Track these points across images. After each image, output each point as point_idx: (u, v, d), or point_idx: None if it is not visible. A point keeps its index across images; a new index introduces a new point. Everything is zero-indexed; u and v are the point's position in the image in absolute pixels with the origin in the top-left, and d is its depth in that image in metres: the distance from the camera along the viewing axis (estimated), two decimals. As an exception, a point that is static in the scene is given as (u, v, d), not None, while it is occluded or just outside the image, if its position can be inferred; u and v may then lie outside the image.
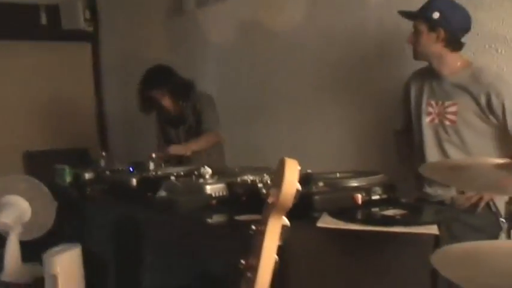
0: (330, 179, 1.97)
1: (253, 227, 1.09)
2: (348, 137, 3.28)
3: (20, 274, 2.66)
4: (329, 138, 3.36)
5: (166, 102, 3.57)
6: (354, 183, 1.91)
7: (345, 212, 1.75)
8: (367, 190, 1.87)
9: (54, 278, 2.32)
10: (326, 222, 1.69)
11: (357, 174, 2.03)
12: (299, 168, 1.04)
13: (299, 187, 1.04)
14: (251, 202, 1.98)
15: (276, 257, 1.07)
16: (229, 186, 2.22)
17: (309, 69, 3.48)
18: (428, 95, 2.46)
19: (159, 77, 3.55)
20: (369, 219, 1.72)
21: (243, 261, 1.10)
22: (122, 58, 5.25)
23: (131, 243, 2.36)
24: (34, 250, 2.52)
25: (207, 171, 2.31)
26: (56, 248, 2.41)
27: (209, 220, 2.00)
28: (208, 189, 2.20)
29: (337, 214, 1.73)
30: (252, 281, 1.05)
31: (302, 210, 1.74)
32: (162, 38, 4.75)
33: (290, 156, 1.07)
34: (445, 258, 1.08)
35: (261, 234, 1.07)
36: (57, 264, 2.33)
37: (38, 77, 5.23)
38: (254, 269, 1.05)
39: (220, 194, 2.21)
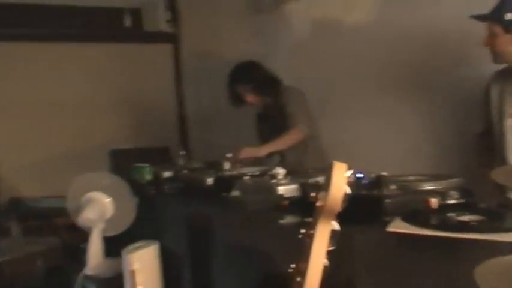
0: (403, 181, 1.92)
1: (302, 231, 1.09)
2: (422, 139, 3.20)
3: (103, 269, 2.77)
4: (403, 140, 3.29)
5: (250, 98, 3.58)
6: (429, 187, 1.86)
7: (418, 216, 1.70)
8: (442, 194, 1.80)
9: (133, 273, 2.40)
10: (397, 226, 1.64)
11: (432, 178, 1.97)
12: (349, 172, 1.02)
13: (348, 190, 1.02)
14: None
15: (326, 261, 1.06)
16: (302, 187, 2.21)
17: (381, 68, 3.42)
18: (510, 97, 2.36)
19: (243, 73, 3.59)
20: (444, 225, 1.65)
21: (292, 266, 1.10)
22: (202, 58, 5.34)
23: (205, 242, 2.40)
24: (116, 246, 2.61)
25: (280, 171, 2.31)
26: (135, 245, 2.49)
27: (281, 221, 2.00)
28: (281, 189, 2.20)
29: (410, 218, 1.68)
30: (301, 285, 1.04)
31: (373, 214, 1.73)
32: (241, 36, 4.80)
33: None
34: (489, 272, 1.02)
35: (310, 238, 1.06)
36: (136, 260, 2.41)
37: (121, 78, 5.42)
38: (303, 273, 1.05)
39: (293, 195, 2.21)
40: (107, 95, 5.35)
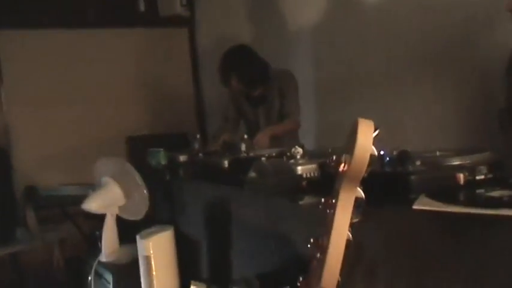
0: (428, 157, 1.81)
1: (323, 201, 0.97)
2: (448, 114, 3.08)
3: (118, 255, 2.71)
4: (427, 115, 3.18)
5: (235, 84, 3.58)
6: (456, 162, 1.74)
7: (445, 193, 1.59)
8: (470, 169, 1.69)
9: (148, 259, 2.34)
10: (424, 204, 1.54)
11: (459, 152, 1.85)
12: (376, 130, 0.90)
13: (374, 152, 0.90)
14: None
15: (350, 234, 0.94)
16: (321, 166, 2.11)
17: (403, 42, 3.31)
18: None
19: (231, 59, 3.60)
20: (473, 201, 1.54)
21: (311, 240, 0.98)
22: (217, 42, 5.25)
23: (222, 225, 2.33)
24: (131, 231, 2.55)
25: (298, 151, 2.22)
26: (150, 230, 2.43)
27: (300, 202, 1.91)
28: (299, 169, 2.10)
29: (437, 195, 1.57)
30: (321, 261, 0.93)
31: (397, 191, 1.62)
32: (256, 19, 4.70)
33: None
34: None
35: (331, 209, 0.95)
36: (151, 245, 2.35)
37: (137, 64, 5.36)
38: (323, 248, 0.94)
39: (312, 175, 2.11)
40: (122, 81, 5.30)
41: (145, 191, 2.58)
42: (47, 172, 4.74)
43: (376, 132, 0.91)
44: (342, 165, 0.93)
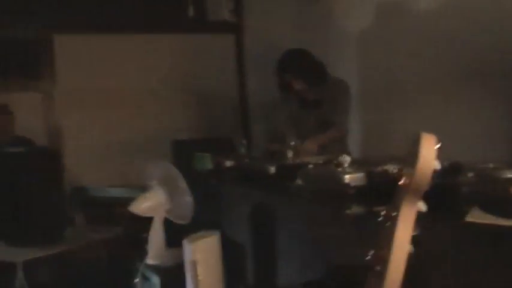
0: (481, 169, 1.78)
1: (383, 213, 0.96)
2: (497, 128, 3.00)
3: (164, 258, 2.75)
4: (475, 128, 3.11)
5: (298, 85, 3.53)
6: (510, 175, 1.71)
7: (498, 206, 1.56)
8: (525, 182, 1.65)
9: (194, 263, 2.35)
10: (476, 216, 1.51)
11: (512, 165, 1.81)
12: (438, 145, 0.90)
13: (437, 166, 0.89)
14: (392, 193, 1.84)
15: (411, 247, 0.93)
16: (369, 175, 2.10)
17: (452, 55, 3.26)
18: None
19: (292, 60, 3.56)
20: (527, 215, 1.51)
21: (371, 252, 0.97)
22: (264, 48, 5.27)
23: (268, 231, 2.33)
24: (178, 235, 2.58)
25: (346, 159, 2.21)
26: (196, 235, 2.45)
27: (348, 211, 1.90)
28: (347, 178, 2.09)
29: (490, 208, 1.54)
30: (382, 275, 0.93)
31: (449, 202, 1.60)
32: (303, 26, 4.71)
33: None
34: None
35: (392, 222, 0.94)
36: (197, 250, 2.37)
37: (184, 69, 5.42)
38: (384, 261, 0.93)
39: (359, 183, 2.10)
40: (169, 85, 5.37)
41: (189, 197, 2.61)
42: (95, 173, 4.83)
43: (438, 145, 0.91)
44: (404, 178, 0.93)
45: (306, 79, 3.52)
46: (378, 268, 0.95)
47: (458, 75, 3.24)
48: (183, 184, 2.64)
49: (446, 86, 3.33)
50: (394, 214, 0.94)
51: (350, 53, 4.15)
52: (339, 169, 2.19)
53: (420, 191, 0.91)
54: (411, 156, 0.91)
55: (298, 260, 2.14)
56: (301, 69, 3.52)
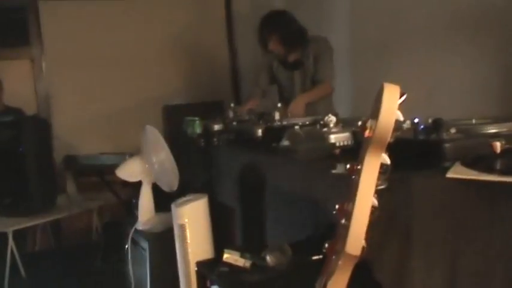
0: (464, 125, 1.76)
1: (348, 167, 0.95)
2: (487, 81, 2.98)
3: (154, 223, 2.75)
4: (465, 81, 3.08)
5: (273, 46, 3.53)
6: (492, 130, 1.69)
7: (480, 161, 1.54)
8: (508, 137, 1.64)
9: (183, 227, 2.36)
10: (458, 172, 1.50)
11: (496, 120, 1.80)
12: (402, 95, 0.88)
13: (400, 117, 0.87)
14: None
15: (375, 201, 0.92)
16: (355, 135, 2.08)
17: (443, 2, 3.20)
18: None
19: (270, 22, 3.56)
20: (509, 170, 1.50)
21: (337, 206, 0.96)
22: (253, 9, 5.21)
23: (255, 193, 2.33)
24: (167, 200, 2.58)
25: (332, 119, 2.19)
26: (184, 198, 2.44)
27: (333, 170, 1.89)
28: (332, 138, 2.07)
29: (472, 164, 1.53)
30: (346, 228, 0.92)
31: (431, 159, 1.59)
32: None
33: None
34: None
35: (356, 174, 0.93)
36: (185, 214, 2.37)
37: (174, 31, 5.36)
38: (349, 214, 0.92)
39: (345, 143, 2.08)
40: (158, 49, 5.32)
41: (174, 164, 2.60)
42: (85, 141, 4.82)
43: (403, 97, 0.88)
44: (368, 130, 0.91)
45: (283, 42, 3.53)
46: (344, 221, 0.94)
47: (450, 31, 3.20)
48: (167, 151, 2.62)
49: (437, 42, 3.29)
50: (358, 167, 0.92)
51: (339, 11, 4.10)
52: (325, 129, 2.17)
53: (383, 143, 0.89)
54: (375, 108, 0.89)
55: (286, 220, 2.14)
56: (278, 32, 3.53)
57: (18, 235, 3.78)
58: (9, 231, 3.62)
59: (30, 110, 4.70)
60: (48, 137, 4.15)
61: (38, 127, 4.09)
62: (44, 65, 4.98)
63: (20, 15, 4.94)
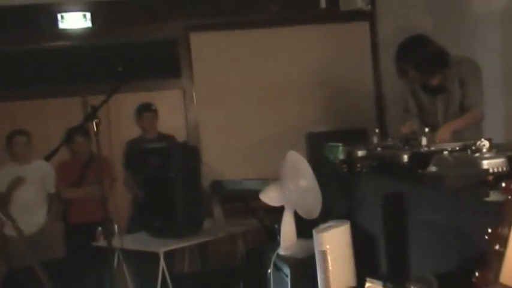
0: None
1: (504, 186, 0.86)
2: None
3: (295, 249, 2.74)
4: None
5: (412, 74, 3.38)
6: None
7: None
8: None
9: (324, 253, 2.33)
10: None
11: None
12: None
13: None
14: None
15: None
16: (510, 160, 1.93)
17: None
18: None
19: (405, 50, 3.39)
20: None
21: (489, 230, 0.88)
22: (399, 35, 5.09)
23: (400, 221, 2.23)
24: (309, 226, 2.56)
25: (484, 144, 2.05)
26: (326, 225, 2.41)
27: (486, 198, 1.76)
28: (485, 164, 1.94)
29: None
30: (501, 254, 0.83)
31: None
32: (437, 8, 4.49)
33: None
34: None
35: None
36: (327, 240, 2.33)
37: (319, 60, 5.40)
38: (504, 239, 0.83)
39: (499, 169, 1.94)
40: (303, 78, 5.39)
41: (318, 192, 2.58)
42: (231, 166, 4.96)
43: None
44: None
45: (419, 69, 3.35)
46: (497, 247, 0.86)
47: None
48: (312, 178, 2.61)
49: None
50: (514, 189, 0.84)
51: (490, 33, 3.87)
52: (477, 154, 2.04)
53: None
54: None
55: (431, 250, 2.03)
56: (413, 60, 3.34)
57: (167, 256, 3.94)
58: (161, 252, 3.78)
59: (180, 137, 4.95)
60: (197, 163, 4.32)
61: (188, 153, 4.28)
62: (194, 95, 5.23)
63: (171, 48, 5.26)
